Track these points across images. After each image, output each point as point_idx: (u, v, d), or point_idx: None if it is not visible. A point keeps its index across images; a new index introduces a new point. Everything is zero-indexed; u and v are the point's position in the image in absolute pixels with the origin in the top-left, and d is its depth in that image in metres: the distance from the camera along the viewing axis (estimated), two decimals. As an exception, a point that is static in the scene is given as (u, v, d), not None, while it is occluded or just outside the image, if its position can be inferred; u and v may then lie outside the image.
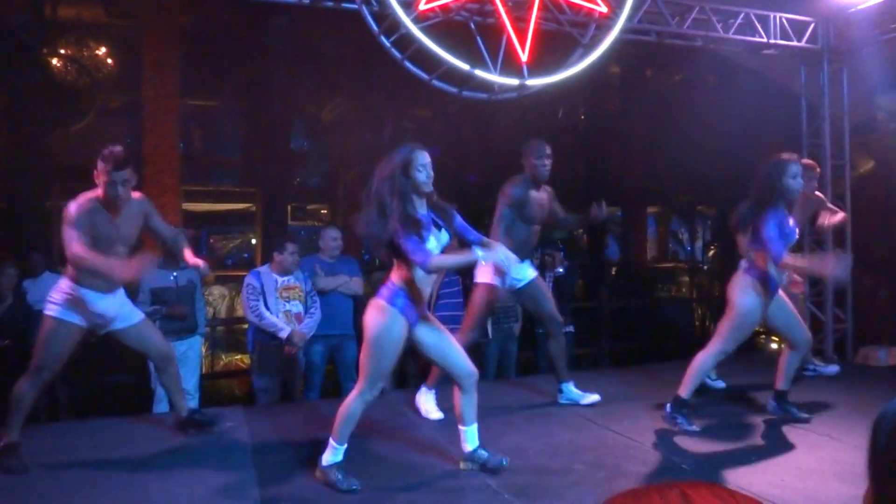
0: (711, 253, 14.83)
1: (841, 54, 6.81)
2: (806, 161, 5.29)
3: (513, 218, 4.45)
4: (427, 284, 3.29)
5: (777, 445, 3.89)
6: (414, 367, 5.65)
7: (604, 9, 5.63)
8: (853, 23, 6.58)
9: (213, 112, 13.11)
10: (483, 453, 3.42)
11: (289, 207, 13.03)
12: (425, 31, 5.12)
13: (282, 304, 5.02)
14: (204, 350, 7.14)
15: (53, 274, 6.49)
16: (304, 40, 10.63)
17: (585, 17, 5.73)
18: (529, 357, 7.00)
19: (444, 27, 5.34)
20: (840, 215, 5.60)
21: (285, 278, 5.08)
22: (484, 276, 4.40)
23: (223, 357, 9.85)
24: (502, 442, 3.83)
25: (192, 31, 11.03)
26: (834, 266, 3.90)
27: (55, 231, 11.52)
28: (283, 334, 4.91)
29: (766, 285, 4.00)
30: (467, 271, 4.73)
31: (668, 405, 4.08)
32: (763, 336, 11.07)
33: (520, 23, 5.38)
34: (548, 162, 4.47)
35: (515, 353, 6.17)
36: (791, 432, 4.08)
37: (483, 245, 3.29)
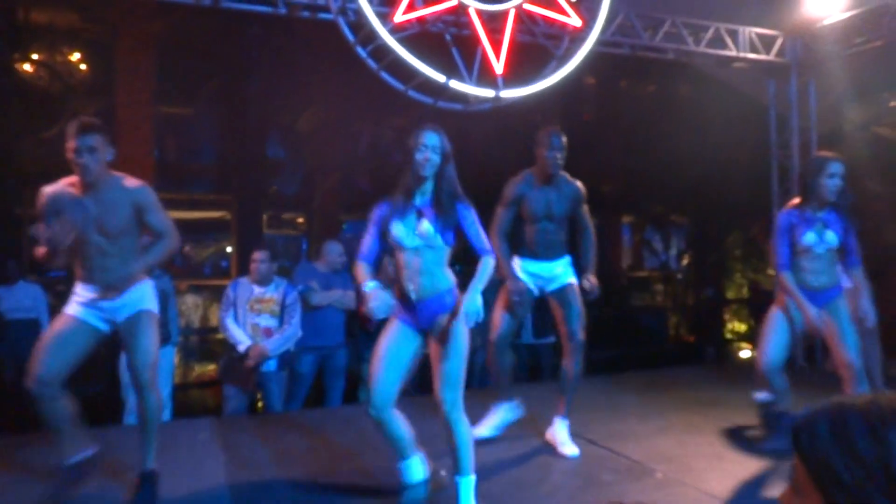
0: (685, 261, 15.04)
1: (809, 67, 6.97)
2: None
3: (511, 218, 4.00)
4: (410, 270, 2.98)
5: (746, 454, 3.95)
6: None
7: (577, 22, 5.71)
8: (820, 37, 6.75)
9: (187, 119, 13.01)
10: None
11: (264, 216, 12.95)
12: (401, 42, 5.15)
13: (251, 316, 4.97)
14: (176, 360, 7.07)
15: (28, 283, 6.41)
16: (279, 48, 10.61)
17: (559, 30, 5.81)
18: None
19: (420, 38, 5.38)
20: None
21: (261, 289, 5.04)
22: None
23: (196, 367, 9.74)
24: (476, 452, 3.84)
25: (166, 38, 10.95)
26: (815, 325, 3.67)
27: (27, 239, 11.36)
28: (242, 348, 4.85)
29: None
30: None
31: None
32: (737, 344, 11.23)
33: (495, 35, 5.44)
34: (559, 155, 3.92)
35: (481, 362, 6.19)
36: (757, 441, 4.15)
37: (484, 255, 3.03)
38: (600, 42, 5.89)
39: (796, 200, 3.87)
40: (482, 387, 6.00)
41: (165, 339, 5.21)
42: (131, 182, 3.17)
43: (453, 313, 2.96)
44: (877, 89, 8.42)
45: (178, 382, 7.25)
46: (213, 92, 11.94)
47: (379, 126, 13.13)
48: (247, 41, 10.78)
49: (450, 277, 3.04)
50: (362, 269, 3.05)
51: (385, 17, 5.12)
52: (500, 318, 4.00)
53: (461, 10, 5.35)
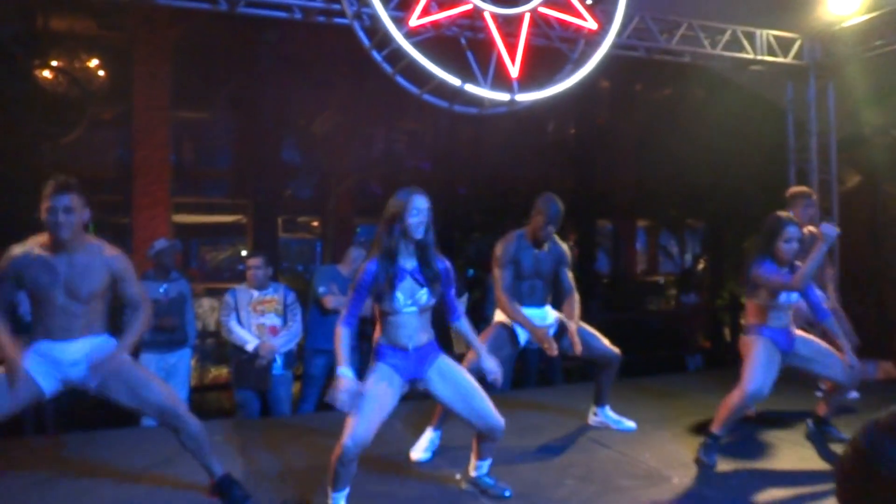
0: (701, 266, 14.92)
1: (827, 70, 6.90)
2: (798, 189, 4.96)
3: (511, 275, 4.15)
4: (407, 329, 3.06)
5: (762, 459, 3.91)
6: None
7: (593, 25, 5.69)
8: (839, 39, 6.68)
9: (204, 124, 13.12)
10: (488, 480, 3.36)
11: (279, 220, 13.02)
12: (416, 46, 5.16)
13: (255, 317, 5.00)
14: (193, 363, 7.10)
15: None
16: (295, 53, 10.67)
17: (575, 34, 5.80)
18: (518, 371, 6.99)
19: (436, 42, 5.39)
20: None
21: (261, 292, 5.06)
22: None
23: (212, 370, 9.79)
24: (493, 456, 3.82)
25: (183, 44, 11.05)
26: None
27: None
28: (250, 347, 4.87)
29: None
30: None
31: None
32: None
33: (510, 38, 5.43)
34: (553, 228, 4.14)
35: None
36: (780, 447, 4.10)
37: (458, 329, 3.24)
38: (616, 45, 5.87)
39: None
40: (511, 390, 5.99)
41: (182, 342, 5.26)
42: (110, 250, 3.12)
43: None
44: (896, 92, 8.32)
45: (195, 385, 7.28)
46: (229, 97, 12.02)
47: (393, 130, 13.17)
48: (262, 46, 10.86)
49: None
50: (342, 340, 3.01)
51: (400, 22, 5.14)
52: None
53: (476, 13, 5.36)
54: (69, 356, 3.06)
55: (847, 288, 6.57)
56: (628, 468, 3.73)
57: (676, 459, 3.84)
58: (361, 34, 5.21)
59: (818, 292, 4.03)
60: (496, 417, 3.11)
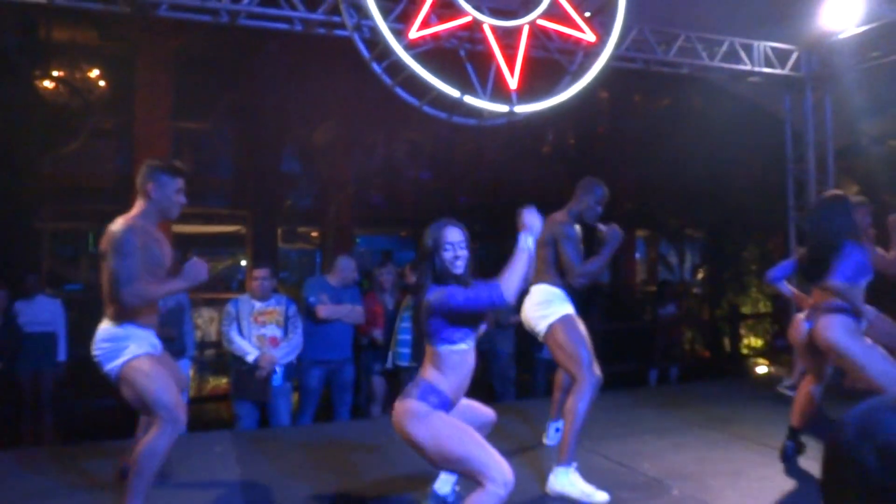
0: (700, 276, 14.94)
1: (824, 81, 6.94)
2: (858, 199, 4.65)
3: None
4: (463, 371, 2.73)
5: (764, 471, 3.90)
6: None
7: (591, 37, 5.73)
8: (835, 51, 6.73)
9: (204, 134, 13.16)
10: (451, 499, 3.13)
11: (279, 230, 13.04)
12: (416, 57, 5.19)
13: (256, 328, 5.00)
14: (192, 373, 7.10)
15: (47, 297, 6.49)
16: (295, 65, 10.72)
17: (573, 46, 5.84)
18: (526, 379, 6.99)
19: (435, 54, 5.42)
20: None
21: (263, 303, 5.07)
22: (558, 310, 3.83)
23: (211, 380, 9.78)
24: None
25: (184, 55, 11.10)
26: None
27: (46, 252, 11.50)
28: (250, 358, 4.87)
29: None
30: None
31: None
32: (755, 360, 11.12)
33: (509, 50, 5.47)
34: (600, 210, 3.98)
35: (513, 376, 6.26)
36: (775, 458, 4.10)
37: None
38: (614, 57, 5.91)
39: None
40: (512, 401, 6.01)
41: (181, 352, 5.26)
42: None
43: None
44: (892, 103, 8.36)
45: (193, 395, 7.28)
46: (229, 107, 12.08)
47: (393, 141, 13.21)
48: (263, 58, 10.90)
49: None
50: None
51: (400, 34, 5.17)
52: None
53: (475, 26, 5.39)
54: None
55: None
56: (628, 479, 3.73)
57: (677, 470, 3.84)
58: (361, 46, 5.25)
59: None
60: (487, 413, 2.95)
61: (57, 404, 6.26)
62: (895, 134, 9.54)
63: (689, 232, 15.05)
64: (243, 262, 13.71)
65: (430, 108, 5.46)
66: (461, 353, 2.71)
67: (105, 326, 3.06)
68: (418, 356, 4.84)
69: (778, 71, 6.80)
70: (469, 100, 5.34)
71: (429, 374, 2.70)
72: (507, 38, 5.50)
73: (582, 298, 4.47)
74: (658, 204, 12.83)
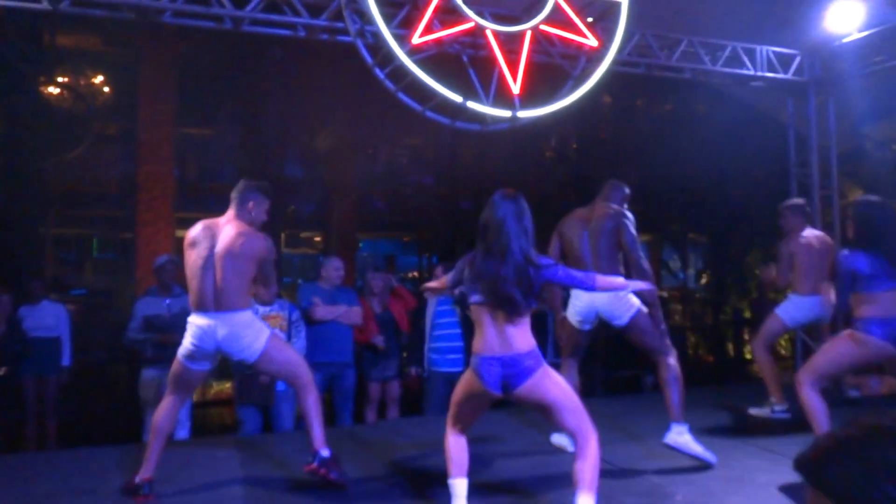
0: (704, 281, 14.92)
1: (827, 86, 6.94)
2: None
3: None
4: None
5: (768, 477, 3.89)
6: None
7: (594, 42, 5.74)
8: (838, 55, 6.72)
9: (207, 139, 13.20)
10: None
11: (282, 235, 13.05)
12: (419, 63, 5.20)
13: None
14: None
15: (51, 302, 6.50)
16: (298, 70, 10.76)
17: (576, 51, 5.84)
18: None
19: (438, 60, 5.43)
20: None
21: (266, 308, 5.08)
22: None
23: (214, 385, 9.78)
24: (494, 471, 3.82)
25: (187, 61, 11.15)
26: None
27: (50, 257, 11.53)
28: None
29: None
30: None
31: None
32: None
33: (511, 55, 5.48)
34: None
35: None
36: (786, 464, 4.08)
37: None
38: (617, 62, 5.91)
39: None
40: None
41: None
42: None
43: None
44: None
45: (197, 400, 7.28)
46: (233, 113, 12.12)
47: (396, 146, 13.23)
48: (266, 63, 10.95)
49: None
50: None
51: (403, 39, 5.19)
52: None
53: (478, 31, 5.40)
54: None
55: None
56: (632, 485, 3.72)
57: (681, 476, 3.83)
58: (364, 52, 5.26)
59: None
60: None
61: (61, 409, 6.27)
62: (898, 138, 9.54)
63: (693, 236, 15.05)
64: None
65: (432, 114, 5.46)
66: None
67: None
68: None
69: (781, 75, 6.80)
70: (472, 105, 5.35)
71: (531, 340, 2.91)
72: (510, 44, 5.50)
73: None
74: (661, 208, 12.82)
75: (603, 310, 4.12)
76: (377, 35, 5.14)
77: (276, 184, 12.03)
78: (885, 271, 3.68)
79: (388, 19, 5.16)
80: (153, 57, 10.80)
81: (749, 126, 9.23)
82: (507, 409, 5.01)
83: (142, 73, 10.89)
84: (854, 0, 6.21)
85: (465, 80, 5.42)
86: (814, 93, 6.97)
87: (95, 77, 11.36)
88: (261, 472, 3.98)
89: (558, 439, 4.29)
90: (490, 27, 5.40)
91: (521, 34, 5.51)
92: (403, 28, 5.29)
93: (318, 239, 14.48)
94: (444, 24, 5.36)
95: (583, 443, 2.95)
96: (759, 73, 6.69)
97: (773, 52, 6.76)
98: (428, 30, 5.24)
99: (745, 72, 6.64)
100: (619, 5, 5.77)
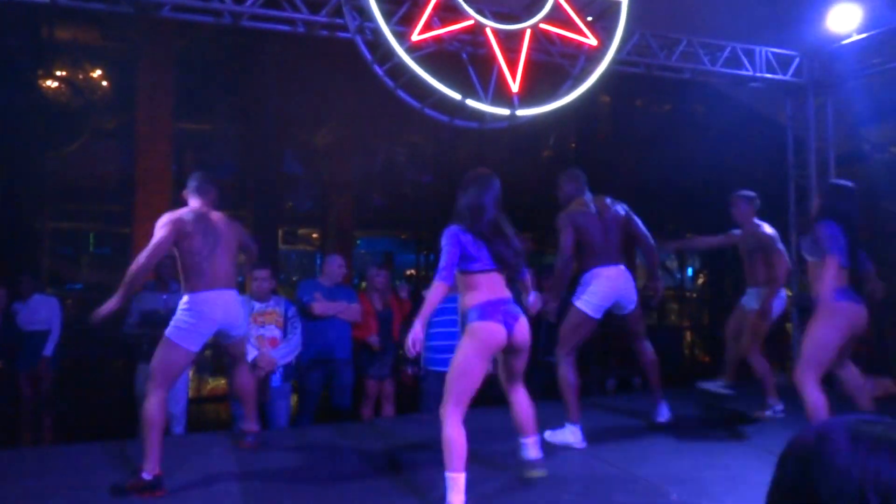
0: (700, 281, 14.93)
1: (826, 87, 6.95)
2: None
3: None
4: None
5: (763, 476, 3.89)
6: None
7: (593, 41, 5.74)
8: (837, 57, 6.73)
9: (205, 135, 13.16)
10: None
11: (280, 231, 13.03)
12: (418, 60, 5.20)
13: (255, 328, 5.00)
14: (191, 374, 7.10)
15: (44, 296, 6.48)
16: (297, 67, 10.73)
17: (575, 50, 5.84)
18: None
19: (437, 57, 5.43)
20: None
21: (262, 304, 5.07)
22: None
23: (210, 381, 9.78)
24: (491, 471, 3.82)
25: (186, 55, 11.11)
26: None
27: (47, 252, 11.50)
28: (249, 358, 4.86)
29: None
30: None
31: None
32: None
33: (511, 54, 5.47)
34: None
35: None
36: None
37: None
38: (616, 61, 5.91)
39: None
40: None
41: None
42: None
43: None
44: (894, 110, 8.38)
45: (192, 396, 7.28)
46: (231, 108, 12.08)
47: (394, 143, 13.22)
48: (265, 59, 10.92)
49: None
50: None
51: (402, 37, 5.18)
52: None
53: (478, 29, 5.40)
54: None
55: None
56: (627, 484, 3.72)
57: (676, 475, 3.83)
58: (364, 48, 5.26)
59: None
60: None
61: (54, 403, 6.26)
62: (897, 141, 9.55)
63: (690, 236, 15.04)
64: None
65: (431, 111, 5.46)
66: None
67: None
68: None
69: (780, 77, 6.81)
70: (471, 103, 5.35)
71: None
72: (510, 42, 5.50)
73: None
74: (658, 208, 12.82)
75: (622, 296, 4.50)
76: (376, 32, 5.13)
77: (275, 180, 12.08)
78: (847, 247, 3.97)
79: (387, 16, 5.16)
80: (152, 52, 10.75)
81: (747, 128, 9.24)
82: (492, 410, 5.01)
83: (140, 67, 10.83)
84: (853, 2, 6.22)
85: (464, 78, 5.42)
86: (812, 94, 6.98)
87: (93, 71, 11.32)
88: (256, 467, 3.98)
89: (551, 436, 4.30)
90: (490, 25, 5.39)
91: (521, 32, 5.51)
92: (403, 25, 5.28)
93: (315, 236, 14.46)
94: (444, 22, 5.36)
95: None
96: (759, 74, 6.70)
97: (773, 53, 6.77)
98: (427, 27, 5.23)
99: (744, 72, 6.65)
100: (618, 5, 5.77)
